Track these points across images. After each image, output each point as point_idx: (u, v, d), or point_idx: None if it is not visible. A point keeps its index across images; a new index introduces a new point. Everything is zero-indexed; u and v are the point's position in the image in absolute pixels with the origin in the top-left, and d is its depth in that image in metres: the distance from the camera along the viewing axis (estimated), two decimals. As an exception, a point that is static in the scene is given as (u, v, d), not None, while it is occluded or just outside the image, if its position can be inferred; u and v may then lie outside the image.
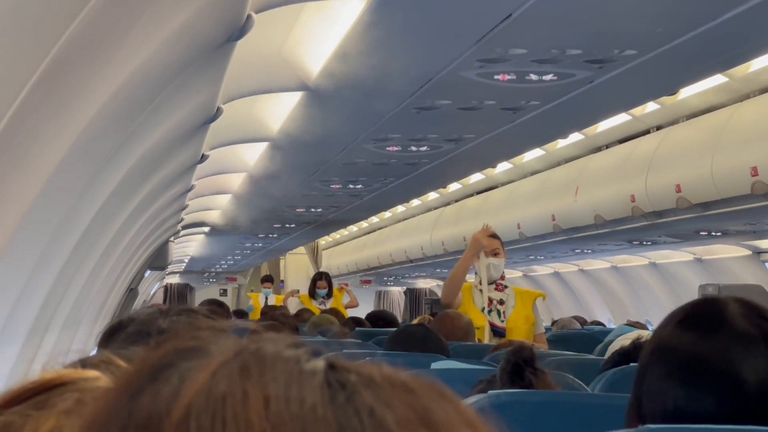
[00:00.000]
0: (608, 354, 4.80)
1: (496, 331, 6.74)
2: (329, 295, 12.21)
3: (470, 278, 7.11)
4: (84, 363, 1.24)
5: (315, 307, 11.74)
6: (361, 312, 10.96)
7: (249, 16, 4.39)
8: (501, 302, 6.87)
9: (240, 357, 0.62)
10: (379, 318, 8.83)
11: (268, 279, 18.87)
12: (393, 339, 4.81)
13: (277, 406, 0.59)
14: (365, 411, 0.60)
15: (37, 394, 0.94)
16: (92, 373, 1.00)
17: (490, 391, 2.57)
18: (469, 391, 2.79)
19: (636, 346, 3.51)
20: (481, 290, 6.89)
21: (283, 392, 0.60)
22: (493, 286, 6.92)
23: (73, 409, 0.94)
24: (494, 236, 7.09)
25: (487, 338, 6.64)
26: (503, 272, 7.04)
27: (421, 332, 4.83)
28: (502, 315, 6.83)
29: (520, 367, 2.76)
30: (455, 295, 6.81)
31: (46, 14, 2.46)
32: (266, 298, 17.68)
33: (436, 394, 0.63)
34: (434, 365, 3.74)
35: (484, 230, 7.03)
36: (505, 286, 6.95)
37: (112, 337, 1.99)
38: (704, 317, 1.82)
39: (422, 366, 3.63)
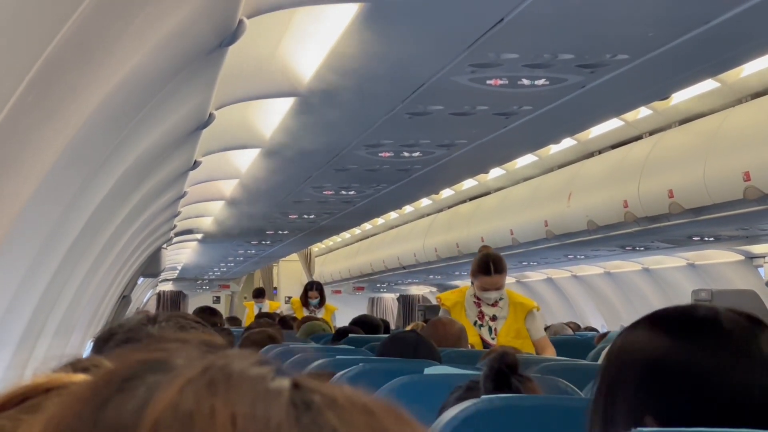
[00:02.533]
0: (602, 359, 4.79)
1: (487, 347, 6.64)
2: (321, 304, 12.26)
3: (463, 283, 7.05)
4: (75, 366, 1.23)
5: (304, 314, 11.79)
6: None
7: (241, 21, 4.39)
8: (494, 318, 6.78)
9: (207, 373, 0.62)
10: (364, 323, 8.89)
11: (260, 294, 19.04)
12: (385, 345, 4.82)
13: (243, 423, 0.59)
14: None
15: (28, 399, 0.94)
16: (84, 377, 1.00)
17: (483, 396, 2.57)
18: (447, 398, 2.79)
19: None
20: (475, 302, 6.80)
21: (250, 410, 0.60)
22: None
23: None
24: (501, 272, 6.88)
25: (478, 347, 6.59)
26: None
27: (413, 338, 4.85)
28: (493, 332, 6.75)
29: (503, 373, 2.76)
30: None
31: (37, 17, 2.45)
32: (260, 310, 17.83)
33: (394, 416, 0.64)
34: (427, 370, 3.74)
35: None
36: (501, 298, 6.84)
37: (104, 344, 1.99)
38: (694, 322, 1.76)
39: (415, 371, 3.63)
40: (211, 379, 0.61)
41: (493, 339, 6.68)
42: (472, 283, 6.87)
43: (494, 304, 6.77)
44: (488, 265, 6.81)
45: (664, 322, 1.74)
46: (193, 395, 0.60)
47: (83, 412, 0.61)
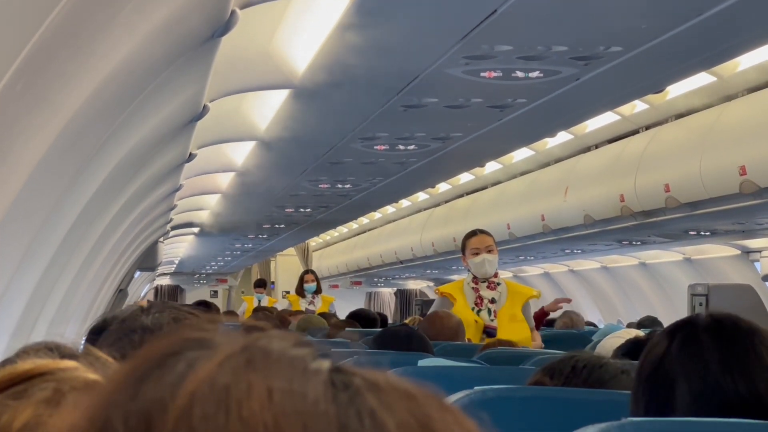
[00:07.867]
0: (597, 352, 4.81)
1: (488, 332, 6.66)
2: (317, 290, 12.17)
3: (460, 278, 7.05)
4: (62, 353, 1.23)
5: (301, 308, 11.75)
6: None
7: (233, 12, 4.38)
8: (492, 301, 6.80)
9: (247, 351, 0.63)
10: (360, 316, 8.92)
11: (261, 284, 19.03)
12: (378, 339, 4.85)
13: (280, 398, 0.60)
14: (366, 413, 0.61)
15: (15, 385, 0.95)
16: (70, 363, 1.00)
17: (475, 387, 2.57)
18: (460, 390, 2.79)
19: (635, 343, 3.50)
20: (473, 288, 6.82)
21: (287, 386, 0.61)
22: (486, 284, 6.83)
23: (51, 398, 0.94)
24: (487, 233, 7.05)
25: (476, 336, 6.59)
26: (497, 270, 6.95)
27: (405, 332, 4.88)
28: (492, 314, 6.77)
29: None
30: None
31: (22, 3, 2.44)
32: (259, 302, 17.78)
33: (437, 403, 0.64)
34: (421, 362, 3.74)
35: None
36: (498, 284, 6.86)
37: (98, 334, 1.99)
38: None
39: (409, 364, 3.63)
40: (250, 356, 0.63)
41: (492, 320, 6.71)
42: (468, 270, 6.91)
43: (491, 287, 6.79)
44: (473, 230, 7.13)
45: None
46: (231, 370, 0.62)
47: (124, 386, 0.63)
